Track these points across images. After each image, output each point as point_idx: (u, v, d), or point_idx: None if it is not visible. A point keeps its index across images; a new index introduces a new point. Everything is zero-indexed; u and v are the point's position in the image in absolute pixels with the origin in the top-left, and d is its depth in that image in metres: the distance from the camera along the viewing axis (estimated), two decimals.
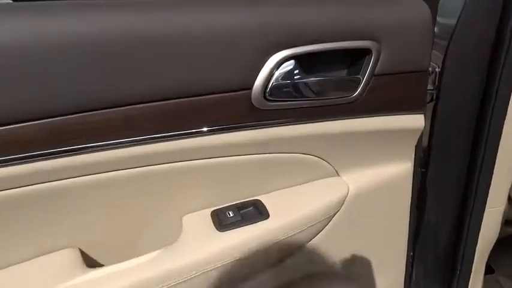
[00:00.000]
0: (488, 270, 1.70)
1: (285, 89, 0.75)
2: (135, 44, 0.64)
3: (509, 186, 1.08)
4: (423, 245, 1.20)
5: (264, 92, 0.74)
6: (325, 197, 0.90)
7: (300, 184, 0.91)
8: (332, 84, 0.80)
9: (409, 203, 1.05)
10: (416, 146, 0.98)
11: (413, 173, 1.01)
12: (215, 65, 0.70)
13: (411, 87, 0.87)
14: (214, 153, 0.78)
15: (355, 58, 0.82)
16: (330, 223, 0.92)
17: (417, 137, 0.95)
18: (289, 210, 0.86)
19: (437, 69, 0.96)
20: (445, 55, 0.94)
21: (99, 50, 0.62)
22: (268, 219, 0.82)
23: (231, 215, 0.82)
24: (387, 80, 0.84)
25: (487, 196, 1.06)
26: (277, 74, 0.74)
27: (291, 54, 0.73)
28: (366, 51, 0.79)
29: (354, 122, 0.86)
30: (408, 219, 1.08)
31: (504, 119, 0.95)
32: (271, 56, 0.72)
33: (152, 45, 0.65)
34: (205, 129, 0.74)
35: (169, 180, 0.77)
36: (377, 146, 0.93)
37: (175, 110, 0.70)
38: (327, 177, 0.93)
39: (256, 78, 0.73)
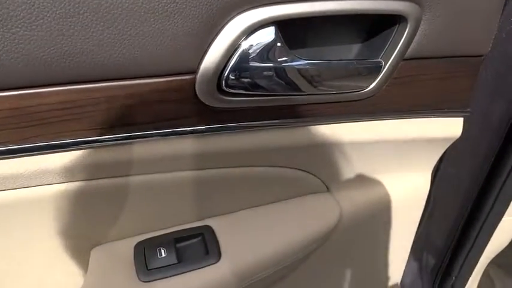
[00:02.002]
0: None
1: (255, 77, 0.45)
2: None
3: None
4: (418, 246, 0.97)
5: (218, 80, 0.44)
6: (306, 223, 0.63)
7: (273, 203, 0.64)
8: (336, 71, 0.49)
9: (418, 222, 0.79)
10: None
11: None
12: (139, 29, 0.39)
13: (456, 78, 0.56)
14: (151, 167, 0.50)
15: (376, 30, 0.50)
16: (310, 258, 0.66)
17: (447, 145, 0.66)
18: (252, 244, 0.59)
19: None
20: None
21: None
22: (217, 264, 0.55)
23: (163, 255, 0.54)
24: (423, 67, 0.53)
25: (509, 204, 0.80)
26: (242, 50, 0.43)
27: (268, 18, 0.42)
28: (396, 20, 0.48)
29: (363, 126, 0.56)
30: (413, 238, 0.83)
31: None
32: (232, 18, 0.41)
33: None
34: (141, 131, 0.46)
35: (77, 198, 0.50)
36: (388, 157, 0.64)
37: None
38: (314, 195, 0.65)
39: (202, 56, 0.42)
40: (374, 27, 0.50)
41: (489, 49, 0.55)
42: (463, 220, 0.86)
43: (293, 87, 0.48)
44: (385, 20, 0.49)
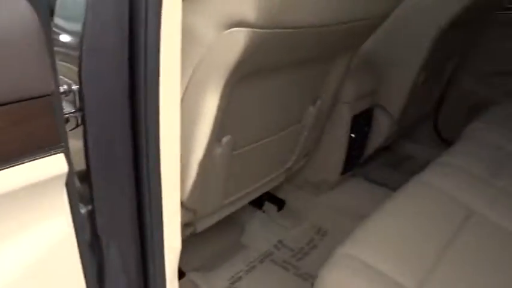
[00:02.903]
0: (180, 275, 1.69)
1: None
2: None
3: (179, 197, 1.00)
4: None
5: None
6: None
7: None
8: None
9: (80, 267, 0.78)
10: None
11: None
12: None
13: (35, 120, 0.58)
14: None
15: None
16: None
17: (63, 181, 0.68)
18: None
19: (74, 87, 0.71)
20: (80, 68, 0.71)
21: None
22: None
23: None
24: None
25: (162, 213, 0.93)
26: None
27: None
28: None
29: None
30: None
31: (158, 132, 0.80)
32: None
33: None
34: None
35: None
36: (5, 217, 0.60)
37: None
38: None
39: None
40: None
41: (53, 88, 0.60)
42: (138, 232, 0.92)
43: None
44: None
